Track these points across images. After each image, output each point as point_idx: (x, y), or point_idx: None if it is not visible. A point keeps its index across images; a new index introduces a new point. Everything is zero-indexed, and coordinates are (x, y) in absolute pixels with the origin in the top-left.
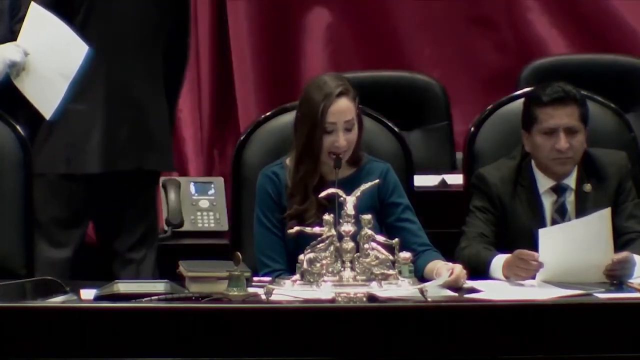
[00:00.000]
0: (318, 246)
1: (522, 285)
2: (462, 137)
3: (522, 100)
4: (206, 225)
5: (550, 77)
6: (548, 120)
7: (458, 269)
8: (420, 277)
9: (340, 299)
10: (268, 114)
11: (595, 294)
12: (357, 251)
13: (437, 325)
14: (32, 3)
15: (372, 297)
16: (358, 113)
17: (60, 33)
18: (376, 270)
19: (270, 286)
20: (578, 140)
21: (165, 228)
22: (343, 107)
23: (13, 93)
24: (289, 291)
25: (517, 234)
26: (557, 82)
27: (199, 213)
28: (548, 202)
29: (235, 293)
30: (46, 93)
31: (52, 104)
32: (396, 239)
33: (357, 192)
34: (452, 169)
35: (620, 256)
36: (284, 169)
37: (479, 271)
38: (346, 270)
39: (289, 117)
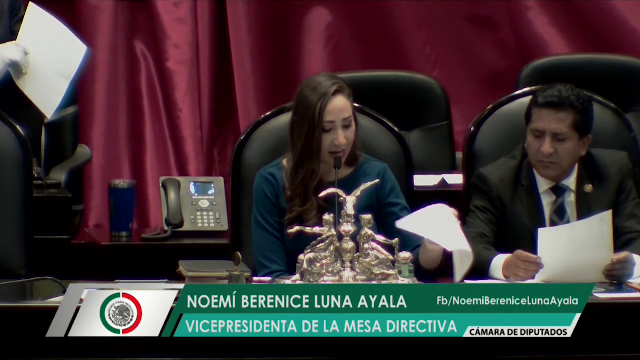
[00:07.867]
0: (318, 246)
1: None
2: (462, 137)
3: (522, 100)
4: (206, 225)
5: (550, 77)
6: (538, 121)
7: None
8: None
9: None
10: (268, 114)
11: (595, 294)
12: (357, 251)
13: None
14: (30, 3)
15: None
16: (354, 111)
17: (60, 33)
18: (376, 270)
19: None
20: (566, 148)
21: (165, 228)
22: (340, 105)
23: (13, 93)
24: None
25: (517, 234)
26: (565, 85)
27: (199, 213)
28: (547, 203)
29: None
30: (47, 93)
31: (53, 103)
32: (396, 239)
33: (357, 192)
34: (452, 169)
35: (620, 256)
36: (281, 170)
37: (479, 271)
38: (346, 270)
39: (288, 117)
